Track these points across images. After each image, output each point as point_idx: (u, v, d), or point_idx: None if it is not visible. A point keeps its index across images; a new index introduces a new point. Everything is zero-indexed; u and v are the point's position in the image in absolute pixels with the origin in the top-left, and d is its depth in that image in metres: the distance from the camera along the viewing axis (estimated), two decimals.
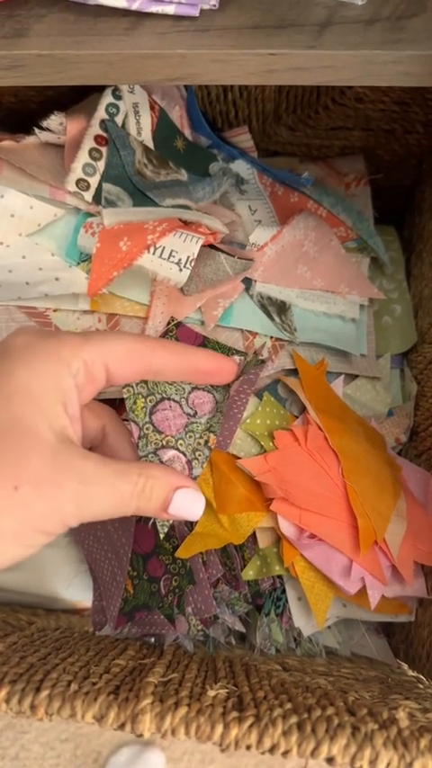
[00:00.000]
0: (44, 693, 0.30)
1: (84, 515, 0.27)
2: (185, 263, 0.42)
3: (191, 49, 0.35)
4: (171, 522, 0.43)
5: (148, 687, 0.31)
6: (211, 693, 0.31)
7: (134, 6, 0.35)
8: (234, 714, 0.29)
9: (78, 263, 0.45)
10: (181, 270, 0.42)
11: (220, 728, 0.29)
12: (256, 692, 0.33)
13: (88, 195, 0.45)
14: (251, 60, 0.35)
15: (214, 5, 0.35)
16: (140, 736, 0.29)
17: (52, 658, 0.35)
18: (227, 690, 0.32)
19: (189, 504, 0.30)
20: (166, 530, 0.40)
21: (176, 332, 0.46)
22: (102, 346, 0.29)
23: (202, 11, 0.35)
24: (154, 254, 0.42)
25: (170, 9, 0.35)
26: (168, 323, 0.45)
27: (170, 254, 0.42)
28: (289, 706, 0.31)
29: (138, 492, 0.28)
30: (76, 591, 0.52)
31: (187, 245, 0.42)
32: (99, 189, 0.45)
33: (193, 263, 0.43)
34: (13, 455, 0.25)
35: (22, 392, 0.26)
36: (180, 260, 0.42)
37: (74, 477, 0.26)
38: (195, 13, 0.35)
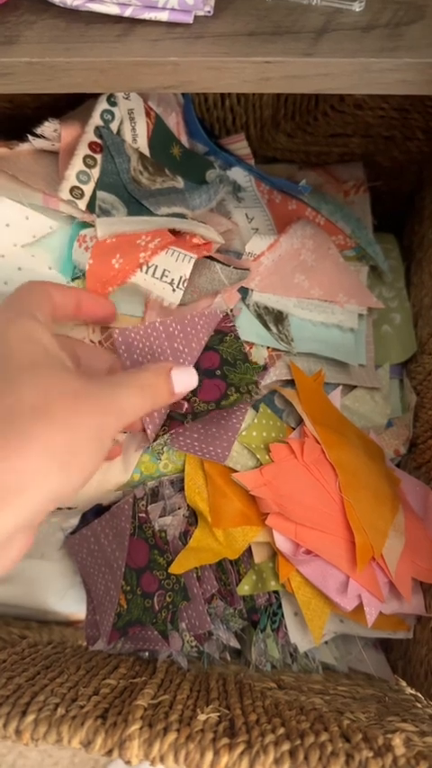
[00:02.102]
0: (30, 718, 0.29)
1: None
2: (178, 283, 0.42)
3: (184, 57, 0.34)
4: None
5: (137, 711, 0.30)
6: (202, 718, 0.30)
7: (127, 13, 0.34)
8: (225, 741, 0.29)
9: (73, 280, 0.44)
10: (174, 290, 0.42)
11: (209, 756, 0.28)
12: (248, 716, 0.32)
13: (82, 203, 0.44)
14: (246, 68, 0.34)
15: (209, 12, 0.35)
16: (128, 763, 0.28)
17: (41, 678, 0.34)
18: (218, 713, 0.31)
19: (186, 378, 0.36)
20: (154, 529, 0.43)
21: None
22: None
23: (196, 17, 0.35)
24: (147, 272, 0.42)
25: (163, 15, 0.34)
26: None
27: (163, 274, 0.42)
28: (282, 731, 0.30)
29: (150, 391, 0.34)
30: (71, 603, 0.52)
31: (179, 265, 0.42)
32: (93, 197, 0.44)
33: (186, 284, 0.42)
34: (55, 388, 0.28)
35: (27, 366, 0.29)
36: (173, 280, 0.42)
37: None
38: (189, 19, 0.34)
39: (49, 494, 0.26)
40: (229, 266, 0.46)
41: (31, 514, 0.26)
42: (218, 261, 0.46)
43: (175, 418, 0.43)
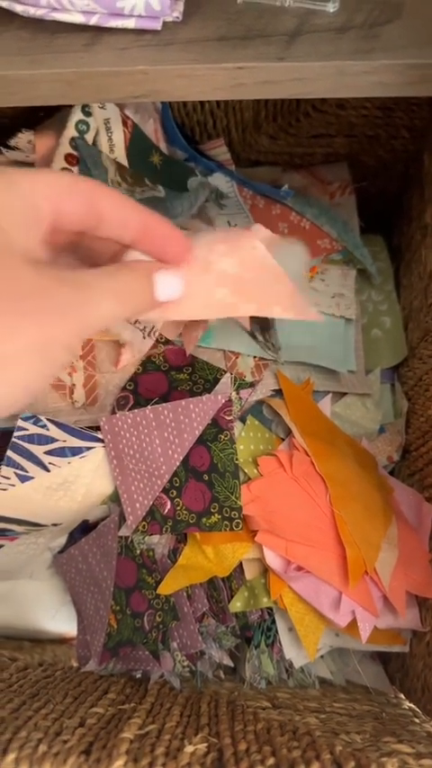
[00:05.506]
0: (11, 757, 0.28)
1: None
2: (149, 331, 0.41)
3: (154, 65, 0.33)
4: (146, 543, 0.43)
5: (123, 745, 0.29)
6: (189, 750, 0.30)
7: (92, 21, 0.33)
8: None
9: None
10: (144, 338, 0.41)
11: None
12: (238, 744, 0.31)
13: None
14: (217, 75, 0.33)
15: (177, 17, 0.33)
16: None
17: (26, 710, 0.33)
18: (206, 744, 0.30)
19: (173, 284, 0.29)
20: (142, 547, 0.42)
21: (165, 350, 0.45)
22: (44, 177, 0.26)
23: (164, 23, 0.33)
24: None
25: (130, 23, 0.33)
26: (157, 339, 0.44)
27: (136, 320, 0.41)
28: (271, 761, 0.29)
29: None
30: (62, 621, 0.51)
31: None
32: None
33: (156, 333, 0.42)
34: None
35: None
36: (145, 327, 0.41)
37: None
38: (157, 26, 0.33)
39: None
40: None
41: None
42: None
43: (156, 518, 0.41)
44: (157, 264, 0.29)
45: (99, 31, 0.34)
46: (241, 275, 0.36)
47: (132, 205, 0.29)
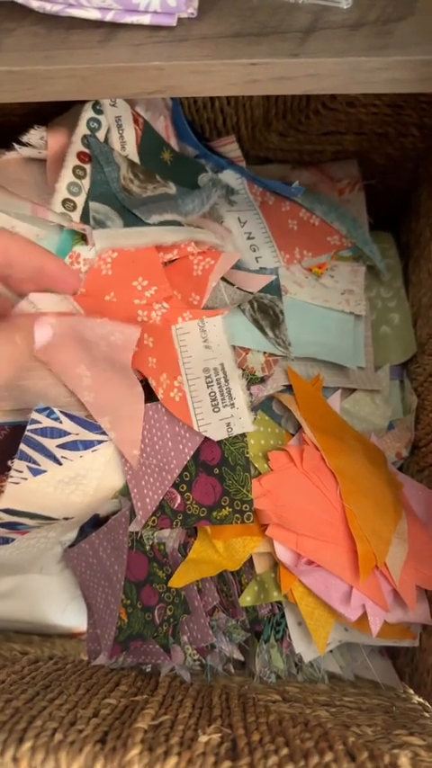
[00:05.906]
0: (27, 745, 0.28)
1: None
2: None
3: (168, 61, 0.33)
4: (156, 539, 0.43)
5: (137, 734, 0.30)
6: (204, 739, 0.30)
7: (108, 17, 0.33)
8: (227, 764, 0.28)
9: None
10: None
11: None
12: (251, 735, 0.31)
13: (75, 215, 0.43)
14: (232, 71, 0.33)
15: (192, 14, 0.34)
16: None
17: (39, 700, 0.34)
18: (220, 734, 0.31)
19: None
20: (153, 541, 0.43)
21: None
22: None
23: (179, 20, 0.34)
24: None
25: (146, 19, 0.33)
26: None
27: None
28: (285, 752, 0.29)
29: None
30: (72, 616, 0.51)
31: None
32: (86, 208, 0.43)
33: None
34: None
35: None
36: None
37: None
38: (172, 22, 0.34)
39: None
40: (233, 285, 0.46)
41: None
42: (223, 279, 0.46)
43: (166, 512, 0.41)
44: (34, 316, 0.35)
45: (114, 27, 0.34)
46: (99, 376, 0.39)
47: (35, 249, 0.34)
